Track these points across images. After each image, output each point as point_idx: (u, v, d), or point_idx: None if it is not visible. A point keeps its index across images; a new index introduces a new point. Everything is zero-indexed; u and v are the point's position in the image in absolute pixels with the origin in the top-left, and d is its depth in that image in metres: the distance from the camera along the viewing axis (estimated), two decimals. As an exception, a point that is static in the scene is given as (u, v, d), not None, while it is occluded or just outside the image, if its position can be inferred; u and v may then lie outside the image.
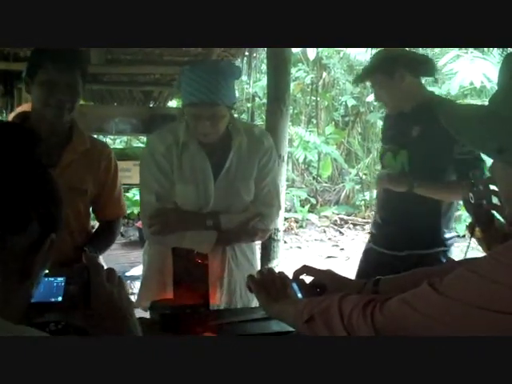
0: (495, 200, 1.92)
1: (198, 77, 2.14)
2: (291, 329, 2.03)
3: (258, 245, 2.97)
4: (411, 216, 2.70)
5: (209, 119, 2.18)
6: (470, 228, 1.93)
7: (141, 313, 2.44)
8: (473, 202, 1.88)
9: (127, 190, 8.45)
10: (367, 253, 2.98)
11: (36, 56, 2.19)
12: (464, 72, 8.55)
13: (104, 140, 8.64)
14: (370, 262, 2.92)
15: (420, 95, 2.77)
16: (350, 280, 1.72)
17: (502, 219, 1.90)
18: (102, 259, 5.60)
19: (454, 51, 8.20)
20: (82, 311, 1.13)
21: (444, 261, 2.75)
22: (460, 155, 2.64)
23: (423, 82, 2.85)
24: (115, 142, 9.90)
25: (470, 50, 7.73)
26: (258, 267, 2.72)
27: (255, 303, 2.58)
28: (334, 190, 10.47)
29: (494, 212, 1.88)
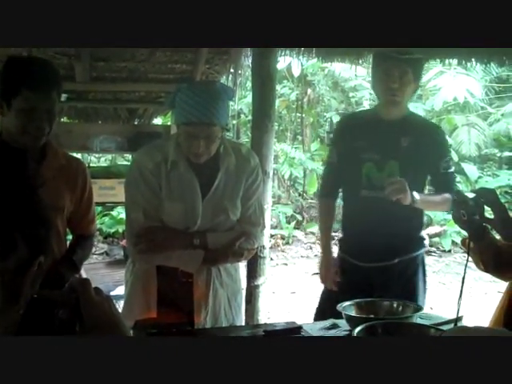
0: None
1: (196, 96, 2.15)
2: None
3: (242, 263, 2.96)
4: (398, 222, 2.67)
5: (204, 139, 2.18)
6: (465, 243, 1.95)
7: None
8: (465, 218, 1.92)
9: (111, 209, 8.41)
10: (345, 268, 2.86)
11: (11, 80, 2.10)
12: (447, 88, 8.64)
13: (88, 158, 8.65)
14: (350, 276, 2.81)
15: (406, 108, 2.81)
16: None
17: (494, 232, 1.94)
18: (85, 276, 5.54)
19: (438, 67, 8.28)
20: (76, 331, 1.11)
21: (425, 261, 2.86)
22: (444, 169, 2.71)
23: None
24: (100, 160, 9.86)
25: (453, 65, 7.80)
26: (243, 285, 2.71)
27: (240, 321, 2.57)
28: (320, 206, 10.46)
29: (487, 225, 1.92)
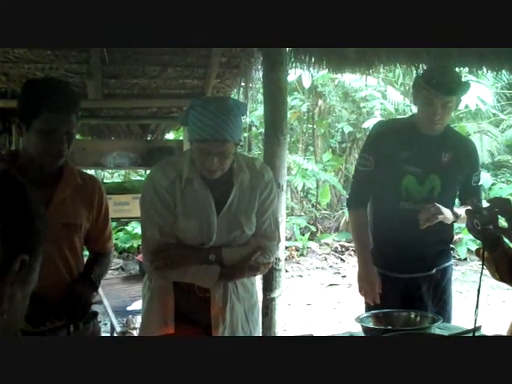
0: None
1: (209, 113, 2.15)
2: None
3: (258, 276, 2.96)
4: (433, 234, 2.67)
5: (217, 155, 2.19)
6: (480, 253, 1.94)
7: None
8: (479, 228, 1.90)
9: (126, 224, 8.43)
10: (383, 284, 2.80)
11: (31, 102, 2.12)
12: (459, 96, 8.59)
13: (102, 174, 8.70)
14: (387, 290, 2.78)
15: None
16: None
17: (508, 242, 1.93)
18: (102, 292, 5.54)
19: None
20: None
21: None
22: (474, 183, 2.77)
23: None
24: (113, 176, 9.91)
25: (464, 73, 7.79)
26: (260, 299, 2.70)
27: (257, 335, 2.57)
28: (334, 216, 10.44)
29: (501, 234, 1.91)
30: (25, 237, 0.92)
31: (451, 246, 2.96)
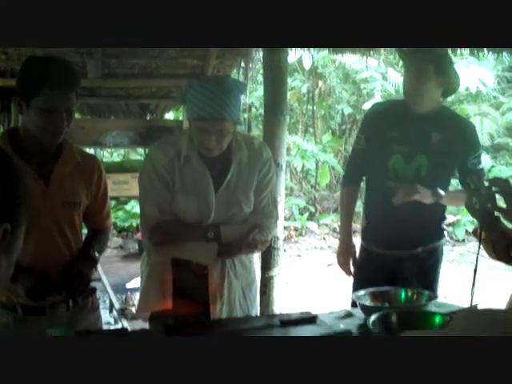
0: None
1: (208, 91, 2.15)
2: (295, 334, 2.04)
3: (257, 254, 2.98)
4: (421, 213, 2.68)
5: (215, 134, 2.19)
6: (477, 233, 1.95)
7: (141, 322, 2.44)
8: (478, 207, 1.91)
9: (125, 203, 8.46)
10: (368, 258, 2.90)
11: (31, 79, 2.11)
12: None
13: (102, 153, 8.70)
14: (374, 266, 2.83)
15: (438, 101, 2.78)
16: None
17: (506, 222, 1.94)
18: (101, 270, 5.57)
19: (449, 57, 8.22)
20: None
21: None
22: (472, 165, 2.72)
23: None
24: (113, 155, 9.91)
25: (465, 55, 7.76)
26: (258, 276, 2.73)
27: (255, 312, 2.60)
28: (333, 197, 10.46)
29: (497, 213, 1.92)
30: (7, 206, 0.93)
31: (443, 226, 2.91)
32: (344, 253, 2.97)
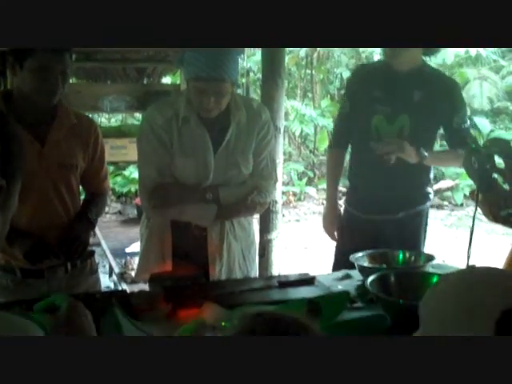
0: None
1: (206, 51, 2.13)
2: (291, 297, 2.05)
3: (255, 217, 2.99)
4: (404, 176, 2.65)
5: (214, 95, 2.18)
6: (474, 194, 1.94)
7: (140, 285, 2.45)
8: (476, 167, 1.89)
9: (124, 168, 8.45)
10: (351, 222, 2.87)
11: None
12: (459, 40, 8.50)
13: (99, 118, 8.65)
14: (357, 230, 2.81)
15: (420, 59, 2.70)
16: None
17: (503, 183, 1.93)
18: (100, 235, 5.58)
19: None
20: None
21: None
22: (457, 124, 2.66)
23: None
24: (110, 121, 9.86)
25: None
26: (257, 239, 2.73)
27: (254, 274, 2.61)
28: (331, 162, 10.43)
29: (496, 176, 1.90)
30: (1, 163, 0.93)
31: (429, 190, 2.84)
32: (328, 217, 2.98)
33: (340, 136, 2.96)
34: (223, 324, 1.59)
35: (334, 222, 2.95)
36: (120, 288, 4.39)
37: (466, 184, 8.43)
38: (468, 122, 2.75)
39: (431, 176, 2.86)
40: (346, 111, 2.85)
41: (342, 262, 2.74)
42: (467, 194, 8.35)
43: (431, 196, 2.87)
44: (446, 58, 9.37)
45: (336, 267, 2.78)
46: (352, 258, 2.30)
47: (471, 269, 1.31)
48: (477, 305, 0.98)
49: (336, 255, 2.95)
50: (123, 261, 5.15)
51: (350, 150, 2.98)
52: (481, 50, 8.83)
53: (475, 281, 1.05)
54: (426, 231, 2.86)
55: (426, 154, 2.55)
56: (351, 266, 2.31)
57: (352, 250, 2.40)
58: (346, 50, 10.50)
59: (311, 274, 2.35)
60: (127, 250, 5.43)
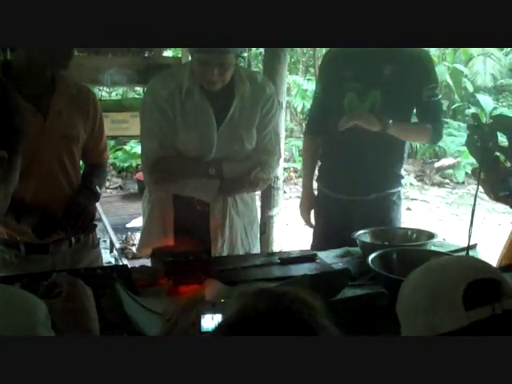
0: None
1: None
2: (293, 274, 2.05)
3: (257, 193, 2.98)
4: (376, 157, 2.63)
5: (217, 67, 2.15)
6: (476, 172, 1.92)
7: (142, 260, 2.44)
8: (479, 144, 1.87)
9: (124, 143, 8.42)
10: (324, 202, 2.86)
11: None
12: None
13: (100, 92, 8.59)
14: (330, 210, 2.80)
15: None
16: None
17: (506, 161, 1.90)
18: (101, 210, 5.56)
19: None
20: None
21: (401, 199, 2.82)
22: (427, 97, 2.62)
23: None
24: (111, 94, 9.79)
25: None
26: (259, 214, 2.72)
27: (256, 250, 2.61)
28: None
29: (498, 154, 1.88)
30: (3, 135, 0.91)
31: (401, 173, 2.80)
32: (304, 202, 2.98)
33: (314, 122, 2.91)
34: (222, 301, 1.58)
35: (309, 210, 2.96)
36: (121, 263, 4.40)
37: (468, 162, 8.40)
38: (439, 95, 2.72)
39: (403, 158, 2.81)
40: (319, 95, 2.80)
41: (317, 240, 2.83)
42: (469, 171, 8.34)
43: (403, 181, 2.86)
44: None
45: (313, 247, 2.76)
46: (353, 234, 2.29)
47: (435, 259, 1.36)
48: (445, 284, 1.09)
49: (313, 234, 2.95)
50: (124, 236, 5.16)
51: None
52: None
53: (441, 265, 1.19)
54: (399, 212, 2.84)
55: (389, 121, 2.50)
56: (328, 246, 2.36)
57: (326, 229, 2.39)
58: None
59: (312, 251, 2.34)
60: (128, 226, 5.43)
